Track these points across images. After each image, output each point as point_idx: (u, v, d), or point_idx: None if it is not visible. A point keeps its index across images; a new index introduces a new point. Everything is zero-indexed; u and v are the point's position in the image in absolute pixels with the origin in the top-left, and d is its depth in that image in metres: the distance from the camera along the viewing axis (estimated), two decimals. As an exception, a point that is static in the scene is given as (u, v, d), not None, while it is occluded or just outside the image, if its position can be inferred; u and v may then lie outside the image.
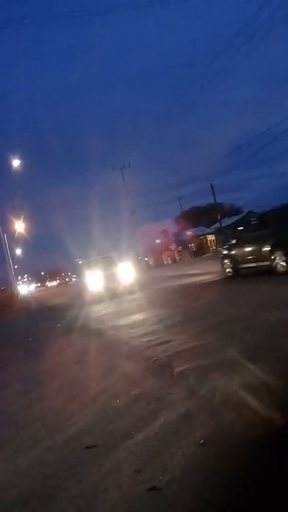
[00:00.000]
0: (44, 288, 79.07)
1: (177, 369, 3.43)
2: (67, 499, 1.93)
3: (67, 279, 72.25)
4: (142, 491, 1.82)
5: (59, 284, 68.18)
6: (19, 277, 68.72)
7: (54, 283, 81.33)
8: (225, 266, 10.69)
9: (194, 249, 44.58)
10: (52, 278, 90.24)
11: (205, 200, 54.52)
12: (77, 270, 16.86)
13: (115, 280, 13.22)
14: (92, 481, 2.03)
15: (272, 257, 8.22)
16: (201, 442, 2.10)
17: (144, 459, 2.10)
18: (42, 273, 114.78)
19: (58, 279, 75.94)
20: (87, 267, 14.42)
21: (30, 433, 2.94)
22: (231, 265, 10.32)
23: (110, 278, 13.21)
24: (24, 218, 33.75)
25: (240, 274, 9.90)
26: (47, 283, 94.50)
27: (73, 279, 23.56)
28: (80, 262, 15.81)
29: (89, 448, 2.39)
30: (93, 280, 13.20)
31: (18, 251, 48.28)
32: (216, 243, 43.01)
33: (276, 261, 8.17)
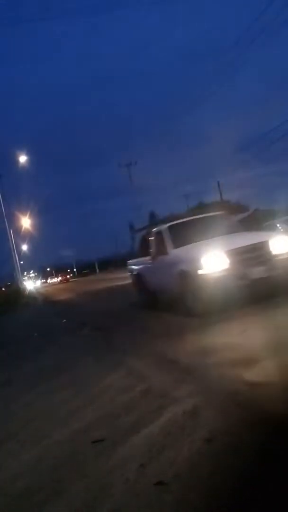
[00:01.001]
0: (46, 284, 79.60)
1: None
2: (73, 493, 1.95)
3: (67, 276, 72.92)
4: (148, 485, 1.83)
5: (61, 280, 69.38)
6: (25, 273, 69.33)
7: (55, 279, 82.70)
8: None
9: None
10: (57, 274, 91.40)
11: (211, 197, 54.35)
12: (147, 246, 7.69)
13: (261, 263, 5.51)
14: (98, 475, 2.05)
15: None
16: (207, 438, 2.11)
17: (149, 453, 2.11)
18: (48, 269, 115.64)
19: (60, 276, 77.70)
20: (182, 235, 6.62)
21: (33, 428, 2.97)
22: None
23: (250, 258, 5.55)
24: (30, 214, 33.96)
25: None
26: (49, 279, 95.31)
27: (131, 266, 8.94)
28: (162, 228, 7.14)
29: (95, 443, 2.41)
30: (208, 262, 5.44)
31: (24, 247, 48.64)
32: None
33: None
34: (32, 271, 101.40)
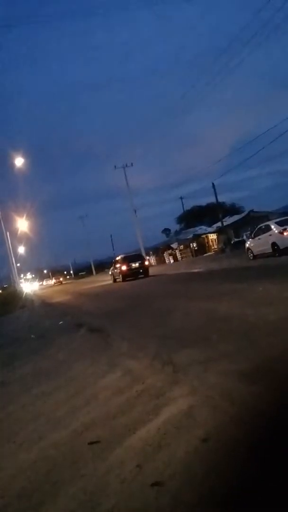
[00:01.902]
0: (42, 286, 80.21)
1: None
2: (70, 494, 1.95)
3: (61, 279, 74.65)
4: (145, 486, 1.84)
5: (55, 282, 71.78)
6: (21, 275, 69.21)
7: (50, 281, 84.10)
8: (111, 277, 26.71)
9: (196, 248, 44.51)
10: (53, 277, 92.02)
11: (207, 199, 54.60)
12: None
13: None
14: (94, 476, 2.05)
15: (119, 275, 23.91)
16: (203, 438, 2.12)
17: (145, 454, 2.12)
18: (45, 271, 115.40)
19: (54, 278, 79.78)
20: None
21: (29, 429, 2.97)
22: (113, 277, 25.59)
23: None
24: (27, 216, 33.91)
25: (117, 281, 24.42)
26: (44, 281, 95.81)
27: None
28: None
29: (92, 444, 2.41)
30: None
31: (21, 250, 48.46)
32: (217, 242, 42.95)
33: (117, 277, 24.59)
34: (29, 273, 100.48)
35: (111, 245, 78.17)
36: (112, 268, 27.20)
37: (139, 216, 42.63)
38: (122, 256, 25.26)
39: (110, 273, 28.31)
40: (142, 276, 22.74)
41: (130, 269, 23.09)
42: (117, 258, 26.02)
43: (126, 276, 23.07)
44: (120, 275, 23.72)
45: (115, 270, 25.24)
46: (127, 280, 22.33)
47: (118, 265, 24.53)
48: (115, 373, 3.82)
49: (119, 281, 23.85)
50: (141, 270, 23.26)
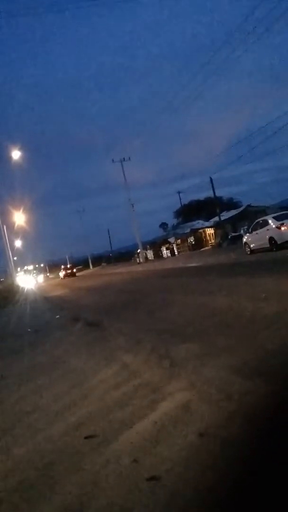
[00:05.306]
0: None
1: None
2: (66, 488, 1.94)
3: (48, 274, 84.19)
4: (141, 480, 1.83)
5: (44, 277, 75.82)
6: (18, 269, 67.51)
7: (42, 275, 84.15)
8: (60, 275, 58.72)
9: (193, 243, 44.47)
10: (50, 271, 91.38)
11: (204, 193, 54.54)
12: None
13: None
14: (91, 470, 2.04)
15: (63, 276, 56.35)
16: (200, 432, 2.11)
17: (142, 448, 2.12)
18: (41, 265, 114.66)
19: (44, 273, 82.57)
20: None
21: (26, 423, 2.96)
22: (60, 277, 57.71)
23: None
24: (24, 210, 33.77)
25: (61, 278, 54.16)
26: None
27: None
28: None
29: (88, 438, 2.40)
30: None
31: (18, 243, 48.12)
32: (215, 237, 42.97)
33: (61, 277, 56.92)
34: (25, 266, 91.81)
35: (108, 239, 78.20)
36: (61, 271, 57.54)
37: (137, 210, 43.02)
38: (63, 266, 56.08)
39: (59, 274, 59.27)
40: (73, 276, 47.98)
41: (66, 273, 51.76)
42: (62, 267, 57.41)
43: (64, 276, 50.01)
44: (62, 275, 51.78)
45: (61, 273, 55.64)
46: (65, 278, 47.18)
47: (61, 270, 55.12)
48: (112, 367, 3.82)
49: (62, 278, 50.14)
50: (72, 273, 51.21)
